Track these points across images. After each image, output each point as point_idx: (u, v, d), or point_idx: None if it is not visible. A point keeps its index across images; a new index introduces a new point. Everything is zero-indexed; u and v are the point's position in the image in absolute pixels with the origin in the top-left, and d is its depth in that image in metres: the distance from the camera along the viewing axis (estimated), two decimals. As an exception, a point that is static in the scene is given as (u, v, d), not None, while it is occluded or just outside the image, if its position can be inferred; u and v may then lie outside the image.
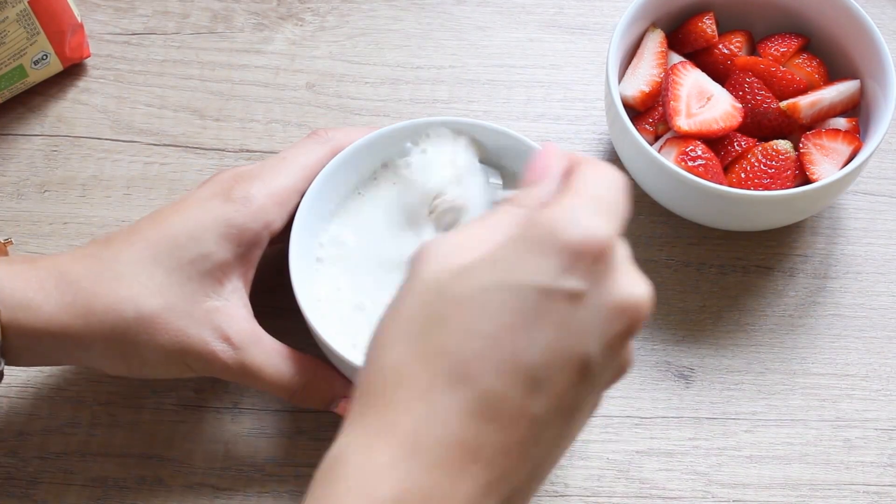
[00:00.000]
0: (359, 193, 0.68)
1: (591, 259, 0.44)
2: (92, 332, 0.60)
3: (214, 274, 0.62)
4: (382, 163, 0.69)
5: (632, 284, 0.45)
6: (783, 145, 0.70)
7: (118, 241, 0.62)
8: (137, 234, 0.62)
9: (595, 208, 0.45)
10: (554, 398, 0.44)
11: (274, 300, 0.69)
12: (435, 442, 0.43)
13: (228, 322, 0.62)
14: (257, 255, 0.64)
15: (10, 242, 0.71)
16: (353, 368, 0.62)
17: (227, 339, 0.62)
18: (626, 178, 0.48)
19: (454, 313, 0.44)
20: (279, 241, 0.66)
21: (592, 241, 0.44)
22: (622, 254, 0.46)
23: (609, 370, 0.46)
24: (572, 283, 0.44)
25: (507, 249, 0.44)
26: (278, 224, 0.64)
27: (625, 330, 0.45)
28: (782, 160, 0.70)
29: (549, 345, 0.43)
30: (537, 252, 0.44)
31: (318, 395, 0.64)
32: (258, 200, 0.63)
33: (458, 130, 0.68)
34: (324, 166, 0.66)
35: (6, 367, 0.60)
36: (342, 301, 0.66)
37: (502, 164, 0.69)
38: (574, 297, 0.44)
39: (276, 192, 0.64)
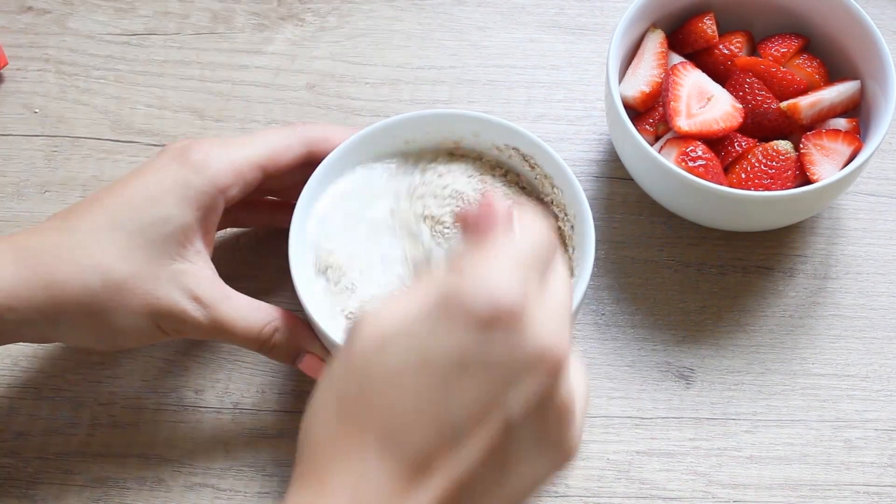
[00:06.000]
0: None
1: (502, 324, 0.44)
2: (56, 304, 0.59)
3: (176, 237, 0.61)
4: (398, 150, 0.69)
5: (542, 337, 0.45)
6: (783, 146, 0.70)
7: (77, 211, 0.62)
8: (96, 202, 0.62)
9: (505, 267, 0.45)
10: (480, 453, 0.45)
11: (273, 300, 0.69)
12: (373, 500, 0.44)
13: (196, 283, 0.62)
14: (214, 220, 0.64)
15: None
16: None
17: (196, 299, 0.62)
18: (551, 231, 0.48)
19: (376, 389, 0.45)
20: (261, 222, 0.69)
21: (500, 308, 0.44)
22: (547, 303, 0.46)
23: (534, 423, 0.46)
24: (484, 350, 0.44)
25: (423, 323, 0.45)
26: (234, 192, 0.64)
27: (541, 381, 0.45)
28: (782, 160, 0.70)
29: (469, 410, 0.44)
30: (448, 324, 0.44)
31: (286, 346, 0.64)
32: (214, 164, 0.63)
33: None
34: (290, 150, 0.65)
35: None
36: (337, 281, 0.66)
37: (511, 161, 0.69)
38: (487, 364, 0.44)
39: (233, 160, 0.63)
